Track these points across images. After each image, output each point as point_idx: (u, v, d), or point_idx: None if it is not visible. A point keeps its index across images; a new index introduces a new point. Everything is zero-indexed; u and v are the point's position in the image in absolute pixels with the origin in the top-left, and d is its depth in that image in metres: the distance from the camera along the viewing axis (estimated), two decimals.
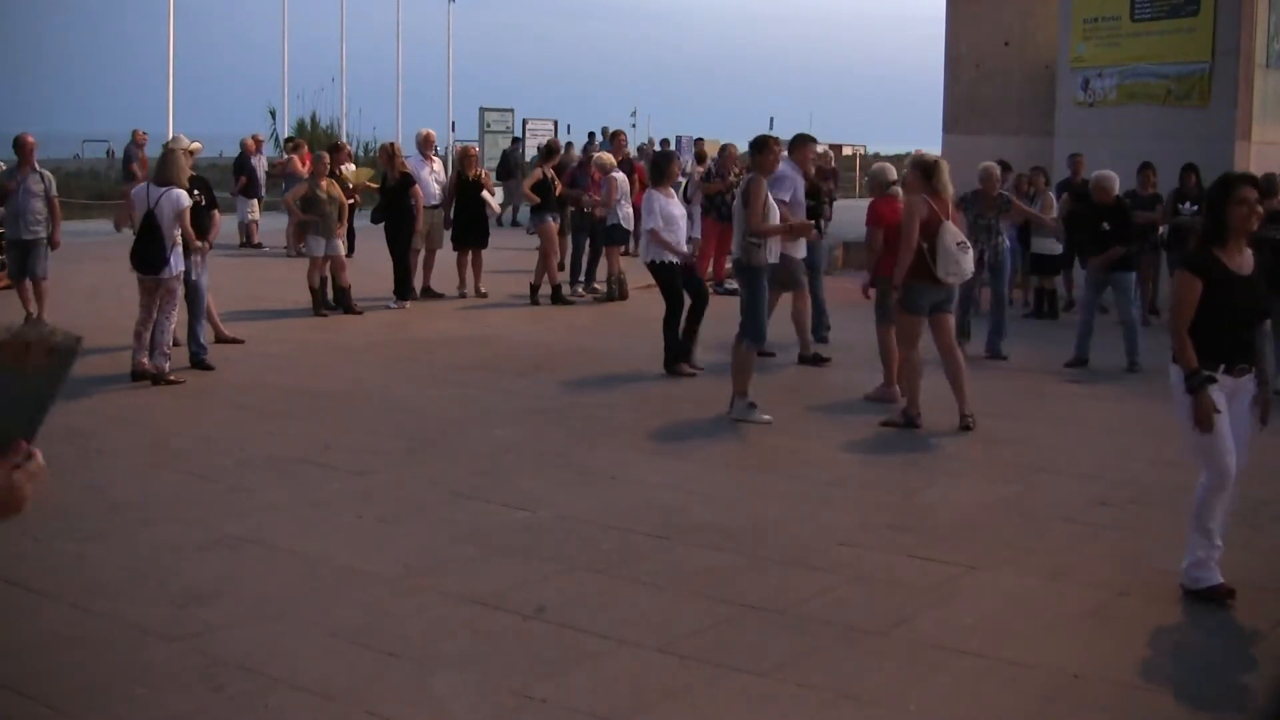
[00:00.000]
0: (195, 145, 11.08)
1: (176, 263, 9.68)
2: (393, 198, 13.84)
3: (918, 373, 8.64)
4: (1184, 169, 13.63)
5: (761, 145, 9.06)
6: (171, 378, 9.64)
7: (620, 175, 14.59)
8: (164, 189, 9.67)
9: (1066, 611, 5.23)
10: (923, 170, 8.85)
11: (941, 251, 8.48)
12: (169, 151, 10.12)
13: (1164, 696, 4.44)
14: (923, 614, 5.15)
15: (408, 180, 13.89)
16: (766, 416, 8.58)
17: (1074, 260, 14.74)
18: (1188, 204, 13.58)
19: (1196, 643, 4.94)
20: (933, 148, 25.18)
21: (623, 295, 14.64)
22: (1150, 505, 6.85)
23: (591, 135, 24.87)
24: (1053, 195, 14.24)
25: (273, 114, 32.75)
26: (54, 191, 11.98)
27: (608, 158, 15.15)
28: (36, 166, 11.96)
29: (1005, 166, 14.70)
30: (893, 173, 10.49)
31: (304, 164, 18.26)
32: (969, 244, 8.74)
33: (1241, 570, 5.73)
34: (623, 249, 15.03)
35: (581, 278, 15.33)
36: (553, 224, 14.63)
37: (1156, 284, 14.20)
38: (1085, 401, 9.79)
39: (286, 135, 26.42)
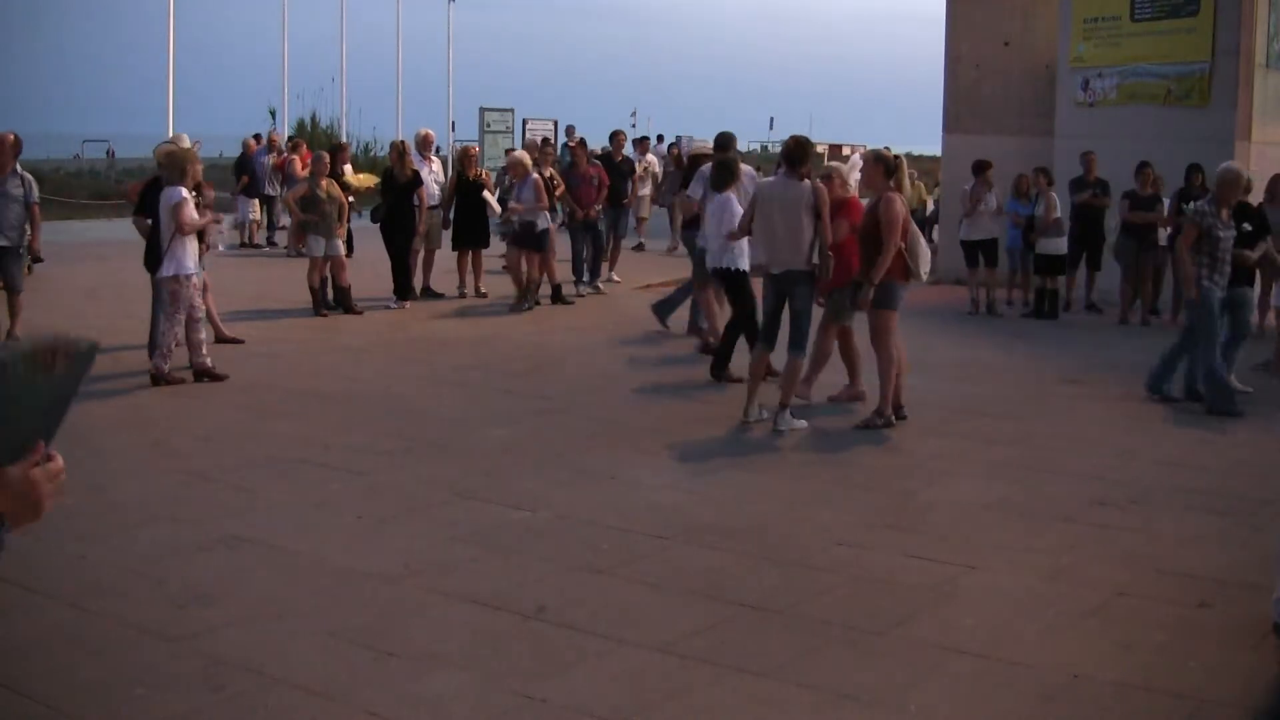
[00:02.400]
0: (187, 146, 11.01)
1: (172, 263, 9.60)
2: (399, 196, 13.82)
3: (894, 366, 8.47)
4: (1189, 169, 13.63)
5: (807, 151, 8.73)
6: (172, 377, 9.63)
7: (537, 177, 13.88)
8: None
9: (1066, 611, 5.22)
10: (886, 167, 8.57)
11: (920, 250, 8.50)
12: (170, 153, 10.11)
13: (1164, 696, 4.44)
14: (923, 614, 5.15)
15: (417, 180, 13.89)
16: (803, 422, 8.44)
17: (1080, 261, 14.69)
18: (1191, 204, 13.58)
19: (1196, 643, 4.94)
20: (933, 148, 25.22)
21: (555, 297, 14.18)
22: (1150, 505, 6.85)
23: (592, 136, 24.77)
24: (1055, 196, 14.22)
25: (273, 114, 32.77)
26: (35, 197, 11.03)
27: (522, 156, 14.51)
28: (19, 169, 10.98)
29: (986, 165, 14.65)
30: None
31: (302, 164, 18.28)
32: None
33: (1241, 570, 5.73)
34: (538, 255, 13.99)
35: (586, 277, 15.35)
36: (551, 224, 14.62)
37: (1159, 285, 14.20)
38: (1085, 401, 9.78)
39: (287, 135, 26.40)
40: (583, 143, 18.07)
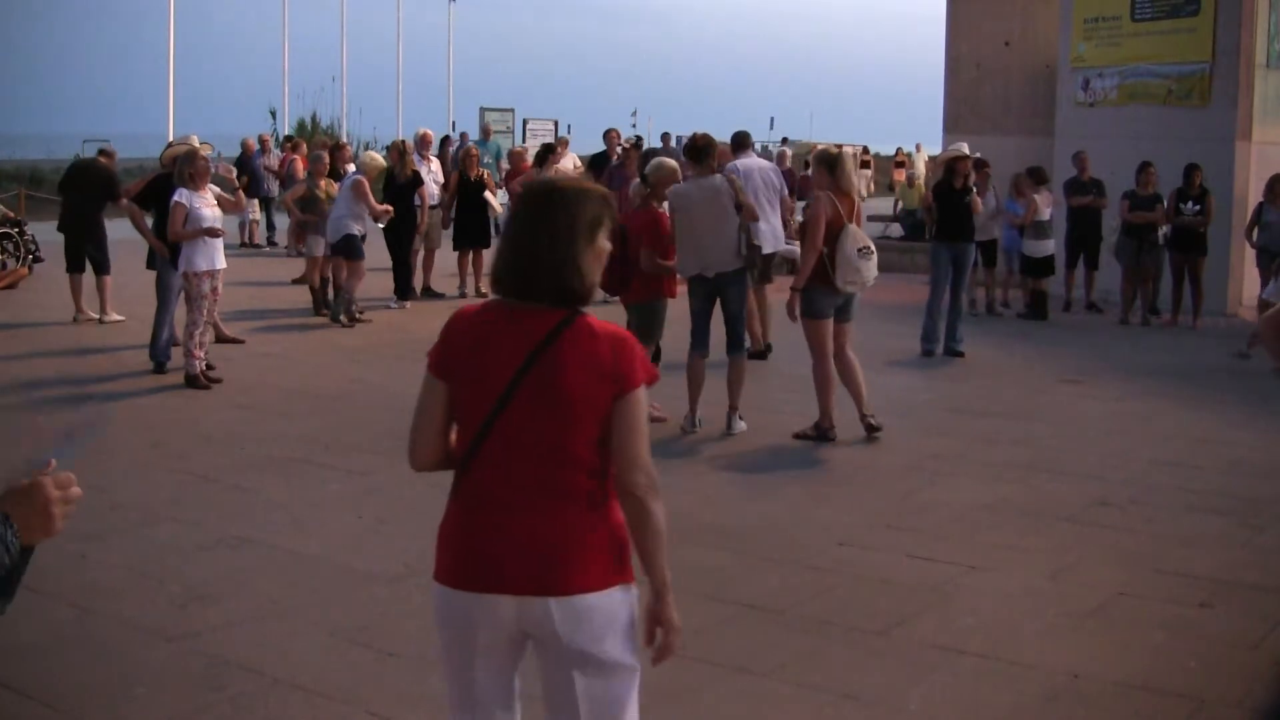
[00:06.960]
0: (181, 148, 10.99)
1: (181, 259, 9.65)
2: (399, 196, 13.81)
3: (831, 383, 8.14)
4: (1187, 168, 13.62)
5: (713, 147, 8.46)
6: (205, 378, 9.62)
7: (360, 179, 12.89)
8: None
9: (1066, 611, 5.23)
10: (827, 164, 8.20)
11: (841, 258, 7.90)
12: (171, 154, 10.16)
13: (1164, 696, 4.44)
14: (923, 614, 5.15)
15: (417, 179, 13.88)
16: (743, 424, 8.36)
17: (1078, 261, 14.65)
18: (1189, 203, 13.59)
19: (1196, 643, 4.94)
20: (933, 148, 25.20)
21: (351, 318, 12.92)
22: (1150, 505, 6.85)
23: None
24: (1037, 198, 14.09)
25: (273, 114, 32.77)
26: None
27: (370, 159, 13.61)
28: None
29: (984, 163, 14.41)
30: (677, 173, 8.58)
31: (303, 164, 18.26)
32: (872, 249, 8.05)
33: (1241, 570, 5.74)
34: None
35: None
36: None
37: (1157, 284, 14.20)
38: (1085, 401, 9.78)
39: (285, 135, 26.42)
40: (639, 142, 17.81)
